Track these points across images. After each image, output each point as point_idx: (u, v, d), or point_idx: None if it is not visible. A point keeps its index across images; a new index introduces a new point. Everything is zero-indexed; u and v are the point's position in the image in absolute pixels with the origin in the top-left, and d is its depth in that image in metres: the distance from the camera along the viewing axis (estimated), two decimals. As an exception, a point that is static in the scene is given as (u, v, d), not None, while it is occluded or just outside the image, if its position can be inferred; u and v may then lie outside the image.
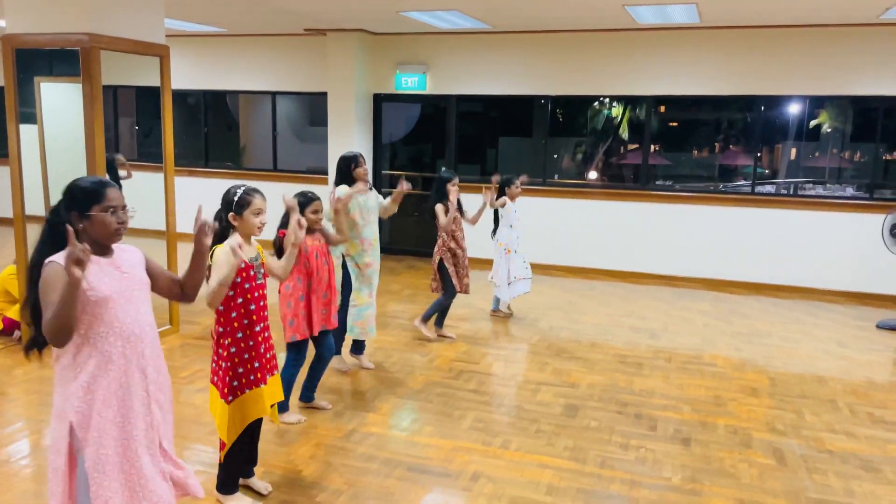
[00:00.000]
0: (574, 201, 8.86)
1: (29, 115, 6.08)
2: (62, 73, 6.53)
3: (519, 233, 6.65)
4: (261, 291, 3.28)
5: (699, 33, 8.09)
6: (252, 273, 3.24)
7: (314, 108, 10.79)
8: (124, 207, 2.46)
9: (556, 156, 9.75)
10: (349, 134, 9.14)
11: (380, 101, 9.58)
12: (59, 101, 6.97)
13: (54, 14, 5.10)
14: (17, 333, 5.74)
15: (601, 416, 4.59)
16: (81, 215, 2.37)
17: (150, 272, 2.60)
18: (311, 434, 4.19)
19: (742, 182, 8.74)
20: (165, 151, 5.87)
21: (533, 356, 5.77)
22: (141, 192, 6.10)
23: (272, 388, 3.37)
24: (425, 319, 6.09)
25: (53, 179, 6.87)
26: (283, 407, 4.21)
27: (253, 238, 3.34)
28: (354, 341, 5.35)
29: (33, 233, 5.80)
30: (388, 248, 9.47)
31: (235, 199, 3.24)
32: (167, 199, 5.90)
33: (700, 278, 8.47)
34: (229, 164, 10.67)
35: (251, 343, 3.25)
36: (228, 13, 7.91)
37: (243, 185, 3.31)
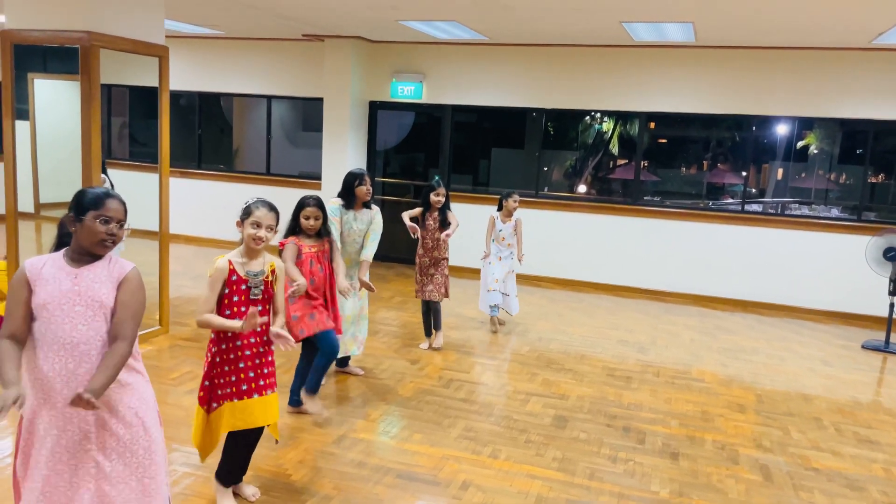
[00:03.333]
0: (563, 214, 8.91)
1: (22, 111, 6.05)
2: (56, 70, 6.50)
3: (502, 249, 6.62)
4: (253, 309, 3.10)
5: (693, 52, 8.19)
6: (244, 288, 3.17)
7: (308, 113, 10.81)
8: (120, 223, 2.44)
9: (545, 168, 9.82)
10: (343, 140, 9.15)
11: (375, 108, 9.60)
12: (53, 97, 6.94)
13: (54, 11, 5.09)
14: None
15: (590, 428, 4.61)
16: (76, 218, 2.40)
17: (117, 299, 2.43)
18: (300, 439, 4.18)
19: (730, 200, 8.84)
20: (161, 152, 5.86)
21: (522, 367, 5.79)
22: (132, 192, 6.07)
23: (263, 407, 3.27)
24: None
25: (44, 176, 6.85)
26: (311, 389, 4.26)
27: (268, 257, 3.27)
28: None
29: (25, 229, 5.78)
30: (378, 256, 9.47)
31: (245, 206, 3.23)
32: (161, 200, 5.88)
33: (686, 293, 8.54)
34: (222, 166, 10.65)
35: (232, 357, 3.20)
36: (228, 16, 7.92)
37: (258, 198, 3.29)
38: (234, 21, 8.30)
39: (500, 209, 6.66)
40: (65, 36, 5.07)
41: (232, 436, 3.31)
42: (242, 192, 9.96)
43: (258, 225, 3.18)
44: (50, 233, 5.59)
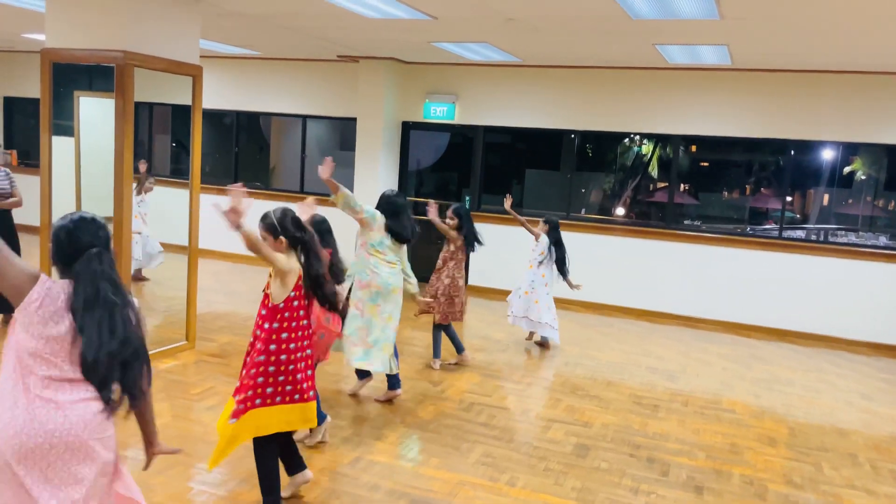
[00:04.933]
0: (596, 236, 8.80)
1: (67, 128, 6.23)
2: (100, 89, 6.70)
3: (534, 275, 6.61)
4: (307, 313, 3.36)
5: (731, 75, 8.06)
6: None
7: (345, 132, 10.91)
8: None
9: (583, 190, 9.73)
10: (375, 159, 9.21)
11: (408, 128, 9.65)
12: (98, 115, 7.15)
13: (92, 30, 5.23)
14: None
15: (612, 457, 4.49)
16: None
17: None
18: (316, 459, 4.15)
19: (770, 226, 8.63)
20: (193, 169, 5.95)
21: (547, 392, 5.69)
22: (173, 208, 6.22)
23: (303, 412, 3.37)
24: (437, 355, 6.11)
25: (86, 191, 7.03)
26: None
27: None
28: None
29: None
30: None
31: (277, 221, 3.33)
32: (191, 216, 5.97)
33: (720, 321, 8.33)
34: (258, 183, 10.77)
35: (291, 366, 3.29)
36: (267, 38, 8.06)
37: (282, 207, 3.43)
38: (271, 42, 8.44)
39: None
40: (101, 55, 5.21)
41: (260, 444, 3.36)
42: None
43: None
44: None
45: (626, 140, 9.42)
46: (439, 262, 6.02)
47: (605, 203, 9.75)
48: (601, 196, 9.90)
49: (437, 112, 9.31)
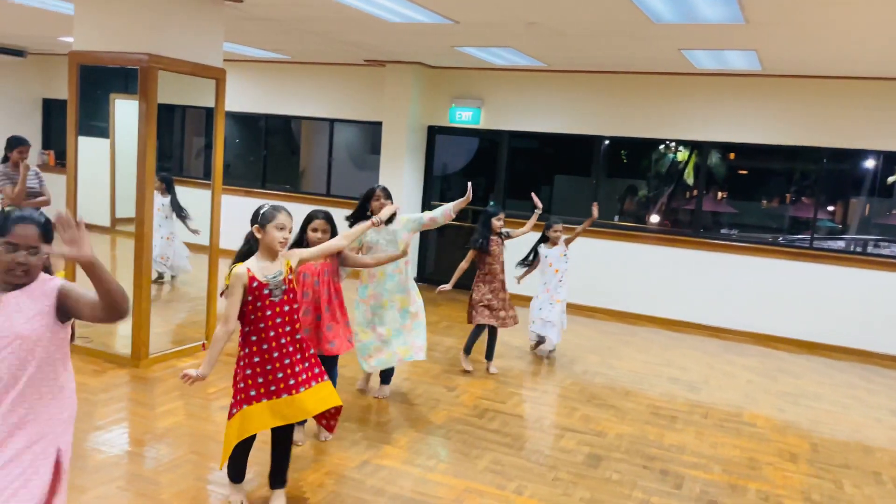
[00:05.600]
0: (624, 244, 8.68)
1: (103, 129, 6.37)
2: (135, 91, 6.85)
3: (550, 279, 6.54)
4: (280, 309, 3.31)
5: (764, 81, 7.89)
6: (266, 292, 3.27)
7: (375, 136, 10.94)
8: (31, 249, 2.25)
9: (617, 198, 9.59)
10: (399, 164, 9.23)
11: (434, 133, 9.66)
12: (132, 117, 7.31)
13: (118, 33, 5.33)
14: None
15: (625, 468, 4.41)
16: None
17: (70, 305, 2.30)
18: (322, 461, 4.15)
19: (805, 236, 8.40)
20: (215, 171, 6.02)
21: (562, 400, 5.62)
22: (205, 209, 6.30)
23: (317, 395, 3.43)
24: (465, 352, 6.13)
25: (120, 192, 7.18)
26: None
27: (281, 255, 3.38)
28: (382, 372, 5.32)
29: (101, 243, 6.02)
30: (431, 279, 9.47)
31: (262, 212, 3.33)
32: (213, 217, 6.04)
33: (749, 332, 8.15)
34: (287, 186, 10.82)
35: (267, 366, 3.32)
36: (293, 42, 8.14)
37: (269, 204, 3.41)
38: (300, 46, 8.52)
39: (543, 241, 6.60)
40: (126, 57, 5.30)
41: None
42: (303, 212, 10.17)
43: (283, 227, 3.31)
44: (123, 247, 5.83)
45: (661, 147, 9.21)
46: (498, 267, 5.97)
47: (637, 210, 9.58)
48: (633, 203, 9.73)
49: (463, 117, 9.30)
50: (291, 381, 3.36)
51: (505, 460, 4.38)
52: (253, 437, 3.47)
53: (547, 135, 9.12)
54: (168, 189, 7.48)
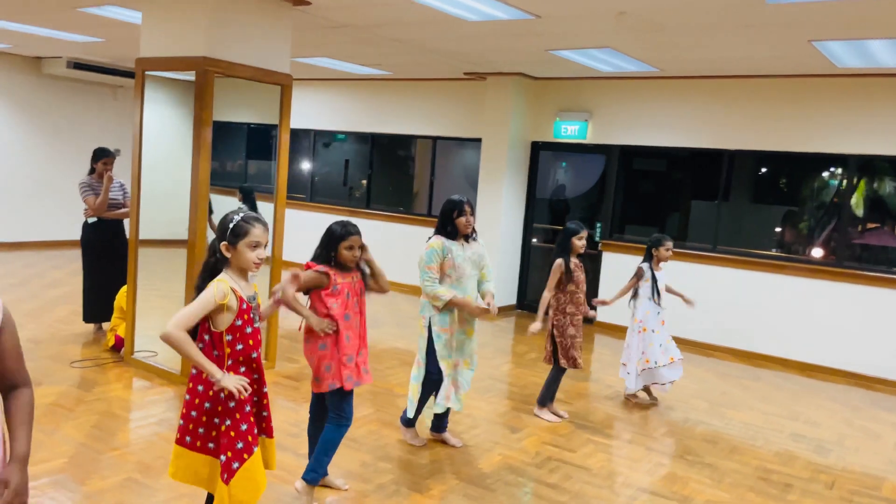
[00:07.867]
0: (748, 273, 7.55)
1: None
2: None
3: (662, 308, 5.62)
4: (257, 337, 2.80)
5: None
6: (251, 316, 2.75)
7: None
8: None
9: (776, 227, 8.26)
10: (499, 182, 8.64)
11: (537, 149, 8.99)
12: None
13: (178, 38, 5.20)
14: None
15: (706, 548, 3.50)
16: None
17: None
18: (335, 507, 3.60)
19: None
20: (279, 184, 5.75)
21: (647, 453, 4.72)
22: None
23: (268, 453, 2.88)
24: (542, 403, 5.23)
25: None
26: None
27: (250, 275, 2.83)
28: (435, 415, 4.58)
29: (147, 255, 5.93)
30: (525, 306, 8.74)
31: (231, 226, 2.73)
32: (275, 230, 5.75)
33: (906, 383, 6.74)
34: (401, 208, 10.44)
35: (255, 397, 2.81)
36: (384, 54, 7.84)
37: (242, 212, 2.81)
38: (391, 59, 8.21)
39: (647, 259, 5.68)
40: (184, 61, 5.15)
41: None
42: (401, 232, 9.82)
43: (257, 245, 2.73)
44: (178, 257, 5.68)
45: (810, 165, 7.74)
46: (581, 297, 5.17)
47: (789, 239, 8.13)
48: (793, 233, 8.23)
49: (568, 131, 8.58)
50: (266, 422, 2.85)
51: (553, 524, 3.62)
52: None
53: (662, 149, 8.17)
54: (245, 199, 7.34)
